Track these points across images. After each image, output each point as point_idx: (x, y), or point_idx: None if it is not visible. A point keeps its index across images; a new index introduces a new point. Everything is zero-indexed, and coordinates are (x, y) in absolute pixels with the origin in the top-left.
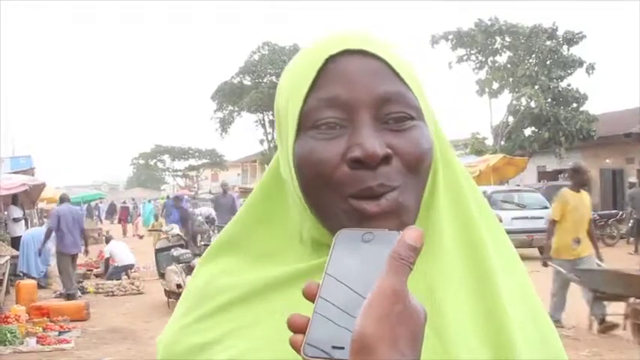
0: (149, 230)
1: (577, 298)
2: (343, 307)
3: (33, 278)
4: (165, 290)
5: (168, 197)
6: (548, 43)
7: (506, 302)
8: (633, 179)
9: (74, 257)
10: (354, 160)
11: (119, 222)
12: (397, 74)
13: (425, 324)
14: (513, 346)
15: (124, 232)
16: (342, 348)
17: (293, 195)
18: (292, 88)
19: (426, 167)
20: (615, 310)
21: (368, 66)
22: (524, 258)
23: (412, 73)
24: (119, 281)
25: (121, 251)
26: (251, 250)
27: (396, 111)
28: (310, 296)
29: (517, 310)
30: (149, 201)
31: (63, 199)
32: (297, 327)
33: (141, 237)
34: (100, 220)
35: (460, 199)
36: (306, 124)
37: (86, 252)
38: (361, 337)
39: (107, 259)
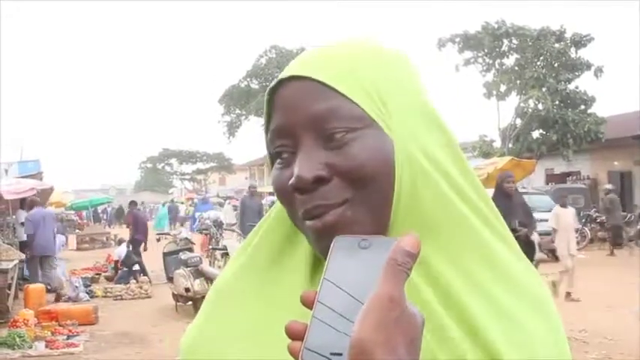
0: (157, 234)
1: (586, 300)
2: (341, 313)
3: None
4: (173, 294)
5: (172, 201)
6: (556, 45)
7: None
8: (609, 186)
9: (48, 258)
10: (291, 188)
11: (127, 226)
12: (334, 89)
13: (422, 329)
14: (495, 347)
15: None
16: (340, 354)
17: None
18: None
19: (378, 175)
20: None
21: (298, 89)
22: None
23: (359, 80)
24: (127, 285)
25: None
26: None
27: (332, 127)
28: (308, 303)
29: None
30: (163, 204)
31: (33, 204)
32: (295, 334)
33: (158, 240)
34: (108, 224)
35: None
36: (270, 155)
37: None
38: (359, 343)
39: (116, 262)
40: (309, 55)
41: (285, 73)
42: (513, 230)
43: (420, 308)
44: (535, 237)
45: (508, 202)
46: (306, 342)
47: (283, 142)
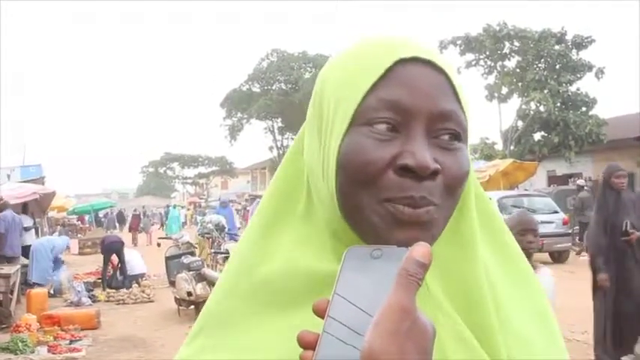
0: (158, 238)
1: (588, 302)
2: (352, 325)
3: (41, 286)
4: (175, 298)
5: (174, 206)
6: (557, 47)
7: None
8: (581, 182)
9: (14, 259)
10: (403, 167)
11: (129, 230)
12: (455, 93)
13: (434, 340)
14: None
15: (135, 241)
16: None
17: (324, 191)
18: (349, 82)
19: (462, 191)
20: None
21: (434, 78)
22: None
23: (465, 94)
24: (130, 289)
25: (133, 260)
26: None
27: (450, 128)
28: (320, 313)
29: (524, 323)
30: (174, 206)
31: (4, 206)
32: (307, 343)
33: (159, 245)
34: (106, 229)
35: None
36: (359, 120)
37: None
38: (370, 354)
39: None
40: (431, 48)
41: (423, 54)
42: (624, 233)
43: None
44: None
45: (617, 199)
46: (317, 354)
47: (392, 116)
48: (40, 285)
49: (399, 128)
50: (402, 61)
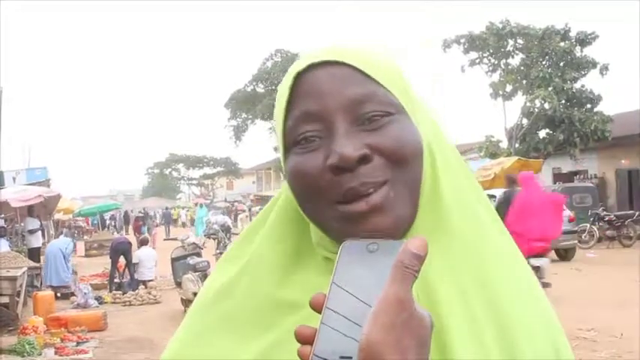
0: (164, 239)
1: (595, 299)
2: (350, 318)
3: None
4: (182, 299)
5: (201, 205)
6: (561, 44)
7: (509, 304)
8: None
9: None
10: (331, 167)
11: (134, 232)
12: (367, 75)
13: (431, 331)
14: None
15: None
16: (350, 358)
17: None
18: (275, 111)
19: (415, 157)
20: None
21: (332, 74)
22: None
23: (387, 71)
24: (136, 291)
25: (145, 261)
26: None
27: (370, 110)
28: (317, 307)
29: (523, 311)
30: (201, 205)
31: None
32: (305, 338)
33: (150, 245)
34: (116, 231)
35: (462, 197)
36: (289, 142)
37: None
38: (368, 346)
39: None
40: (332, 46)
41: (315, 59)
42: None
43: None
44: None
45: None
46: (315, 348)
47: (312, 127)
48: (56, 287)
49: (322, 134)
50: (301, 75)
